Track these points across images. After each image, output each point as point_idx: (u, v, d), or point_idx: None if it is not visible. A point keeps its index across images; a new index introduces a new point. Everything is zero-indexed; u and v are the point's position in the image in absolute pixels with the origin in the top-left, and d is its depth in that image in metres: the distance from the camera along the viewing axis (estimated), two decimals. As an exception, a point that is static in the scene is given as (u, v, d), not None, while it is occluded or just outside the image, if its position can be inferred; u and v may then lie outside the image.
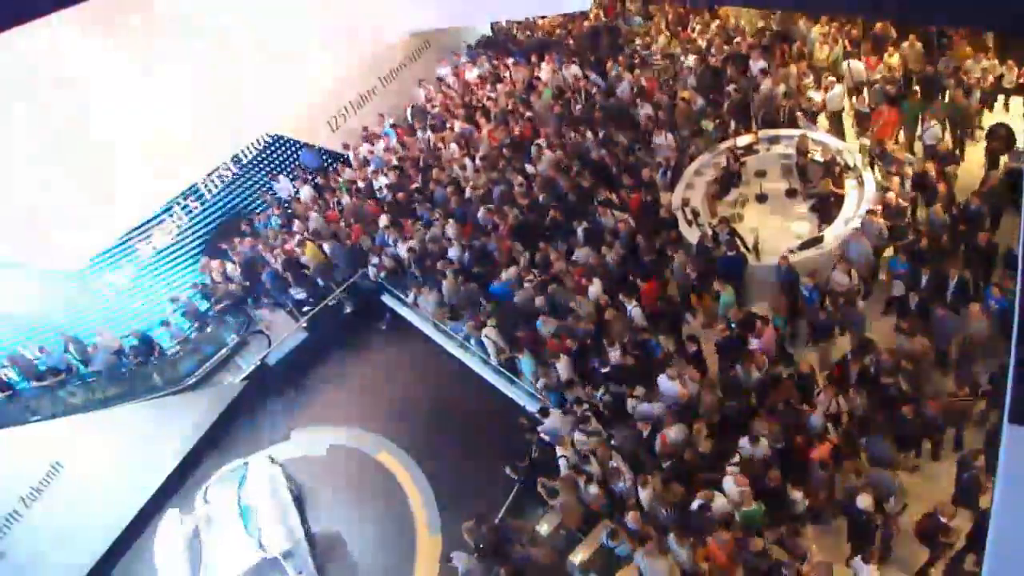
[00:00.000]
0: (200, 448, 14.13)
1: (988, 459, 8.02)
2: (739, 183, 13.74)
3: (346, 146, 18.07)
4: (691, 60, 15.90)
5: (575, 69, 17.15)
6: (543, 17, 19.79)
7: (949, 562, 8.15)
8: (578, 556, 9.72)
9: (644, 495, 9.35)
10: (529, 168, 15.00)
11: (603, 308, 11.72)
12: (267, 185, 17.71)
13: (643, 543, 8.74)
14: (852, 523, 8.53)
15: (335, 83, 18.05)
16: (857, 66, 14.11)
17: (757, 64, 14.75)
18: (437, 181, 15.80)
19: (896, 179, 11.75)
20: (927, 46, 13.88)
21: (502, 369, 12.67)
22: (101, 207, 14.73)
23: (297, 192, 17.50)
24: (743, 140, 14.03)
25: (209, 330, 15.37)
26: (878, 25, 14.34)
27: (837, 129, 14.08)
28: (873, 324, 10.66)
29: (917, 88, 13.37)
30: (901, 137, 13.32)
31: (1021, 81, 12.79)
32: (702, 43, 16.71)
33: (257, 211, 17.53)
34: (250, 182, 17.56)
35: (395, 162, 16.94)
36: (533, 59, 18.21)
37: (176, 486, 13.59)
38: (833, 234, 11.92)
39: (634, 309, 11.40)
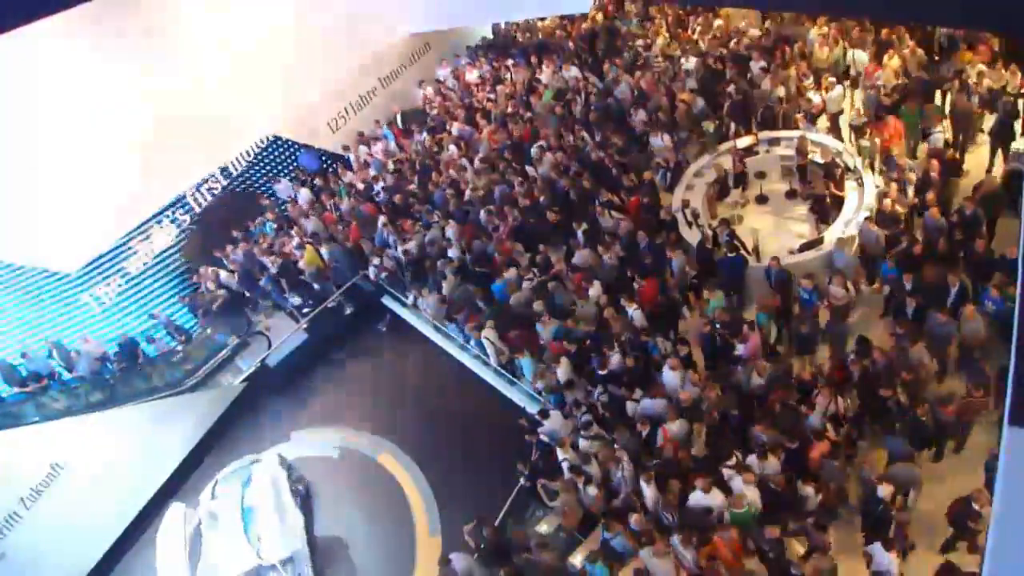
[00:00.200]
0: (200, 449, 14.13)
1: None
2: (745, 183, 13.75)
3: (346, 148, 18.09)
4: (691, 62, 15.90)
5: (575, 71, 17.17)
6: (542, 19, 19.81)
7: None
8: (578, 558, 9.72)
9: (648, 494, 9.35)
10: (529, 169, 15.00)
11: (603, 310, 11.73)
12: (265, 189, 17.72)
13: (649, 542, 8.75)
14: (868, 512, 8.53)
15: (335, 84, 18.06)
16: (861, 56, 14.15)
17: (757, 64, 14.77)
18: (435, 184, 15.81)
19: (895, 185, 11.71)
20: (929, 51, 13.90)
21: (502, 371, 12.68)
22: (101, 208, 14.74)
23: (296, 194, 17.52)
24: (743, 141, 14.04)
25: (194, 341, 15.35)
26: (883, 31, 14.36)
27: (837, 130, 14.09)
28: (871, 327, 10.69)
29: (916, 92, 13.34)
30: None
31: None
32: (702, 44, 16.72)
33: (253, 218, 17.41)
34: (244, 186, 17.56)
35: (392, 165, 16.92)
36: (533, 60, 18.22)
37: (176, 488, 13.58)
38: (833, 235, 11.92)
39: (634, 311, 11.41)
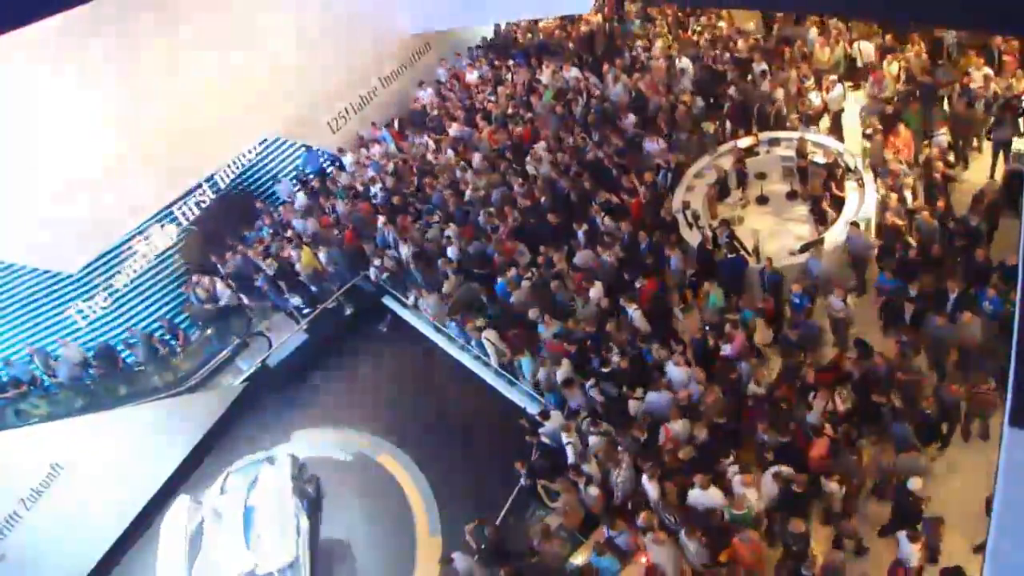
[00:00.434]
0: (201, 450, 14.12)
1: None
2: (745, 183, 13.76)
3: (340, 151, 18.10)
4: (687, 62, 15.92)
5: (575, 71, 17.18)
6: (538, 21, 19.83)
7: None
8: (579, 558, 9.71)
9: (651, 493, 9.36)
10: (530, 169, 15.01)
11: (604, 311, 11.74)
12: (265, 190, 17.70)
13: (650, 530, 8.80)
14: (898, 505, 8.56)
15: (336, 84, 18.08)
16: (867, 47, 14.14)
17: (759, 67, 14.78)
18: (432, 186, 15.81)
19: (894, 195, 11.66)
20: (936, 56, 13.90)
21: (502, 371, 12.68)
22: (102, 209, 14.76)
23: (295, 196, 17.53)
24: (744, 142, 14.04)
25: (192, 343, 15.31)
26: (887, 36, 14.37)
27: (838, 131, 14.10)
28: (868, 336, 10.63)
29: (921, 97, 13.34)
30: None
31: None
32: (703, 45, 16.73)
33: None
34: (245, 187, 17.57)
35: (391, 167, 16.94)
36: (533, 61, 18.23)
37: (177, 488, 13.57)
38: (833, 236, 11.93)
39: (634, 312, 11.42)
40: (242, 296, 15.68)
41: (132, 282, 15.66)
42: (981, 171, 12.68)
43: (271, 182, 17.79)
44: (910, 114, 12.88)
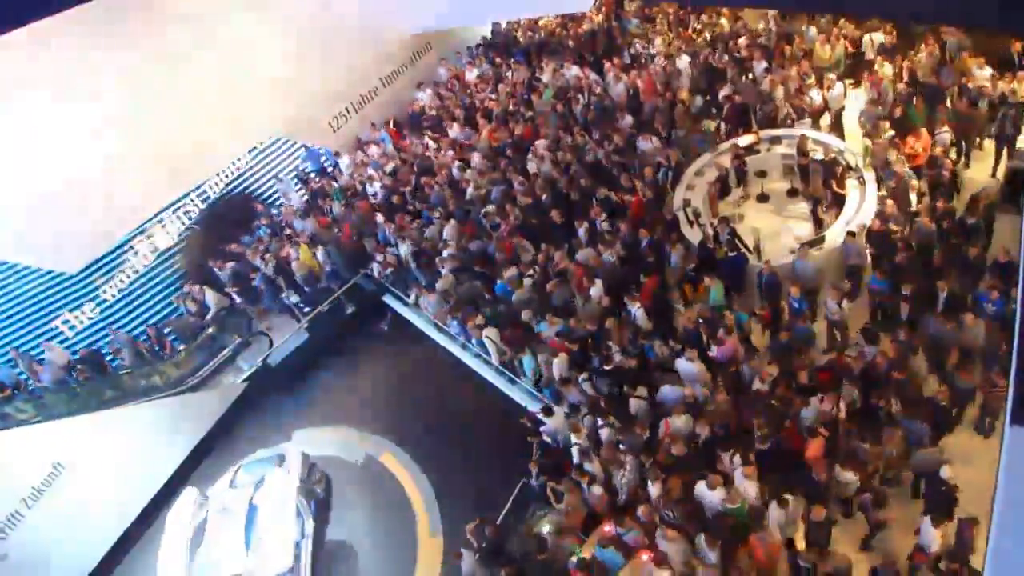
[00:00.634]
0: (202, 449, 14.13)
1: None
2: (745, 180, 13.73)
3: (337, 154, 18.11)
4: (686, 61, 15.91)
5: (575, 70, 17.17)
6: (539, 19, 19.83)
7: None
8: (582, 553, 9.69)
9: (652, 491, 9.37)
10: (531, 167, 15.00)
11: (605, 309, 11.73)
12: (265, 190, 17.71)
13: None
14: (931, 495, 8.57)
15: (336, 84, 18.08)
16: (878, 37, 14.13)
17: (760, 65, 14.76)
18: (430, 185, 15.81)
19: (891, 203, 11.60)
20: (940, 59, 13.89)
21: (503, 370, 12.68)
22: (102, 210, 14.77)
23: (292, 197, 17.52)
24: (744, 140, 14.03)
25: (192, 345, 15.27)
26: (888, 38, 14.34)
27: (838, 128, 14.08)
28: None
29: (925, 96, 13.34)
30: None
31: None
32: (702, 43, 16.71)
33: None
34: (245, 188, 17.58)
35: (391, 167, 16.94)
36: (534, 59, 18.22)
37: (177, 487, 13.57)
38: (834, 235, 11.91)
39: (637, 310, 11.41)
40: (234, 298, 15.69)
41: (129, 285, 15.63)
42: (984, 170, 12.66)
43: (273, 181, 17.78)
44: (915, 112, 12.85)
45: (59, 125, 13.66)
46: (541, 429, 10.88)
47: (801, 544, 8.79)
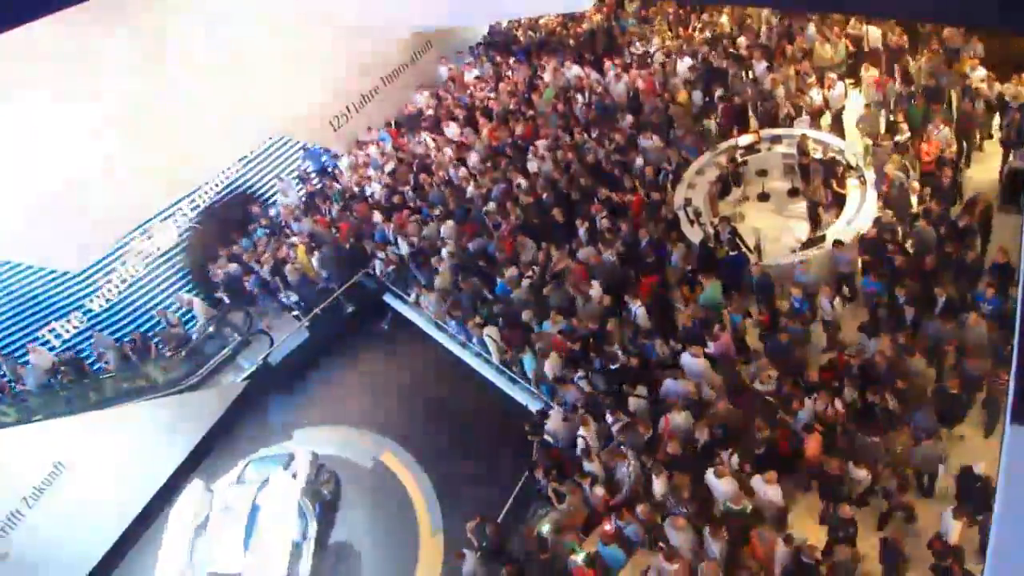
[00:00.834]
0: (202, 448, 14.14)
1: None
2: (740, 182, 13.71)
3: (336, 156, 18.06)
4: (686, 61, 15.87)
5: (576, 69, 17.15)
6: (539, 19, 19.80)
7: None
8: (580, 556, 9.69)
9: (657, 488, 9.37)
10: (532, 166, 14.98)
11: (606, 308, 11.72)
12: (265, 189, 17.68)
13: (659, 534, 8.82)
14: (965, 490, 8.51)
15: (337, 83, 18.06)
16: (874, 32, 14.10)
17: (760, 65, 14.73)
18: (431, 183, 15.80)
19: (889, 211, 11.57)
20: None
21: (504, 368, 12.68)
22: (103, 210, 14.76)
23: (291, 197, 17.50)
24: (745, 139, 14.01)
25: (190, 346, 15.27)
26: (892, 39, 14.32)
27: (839, 128, 14.06)
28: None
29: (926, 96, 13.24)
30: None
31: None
32: (698, 41, 16.68)
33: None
34: (245, 187, 17.55)
35: (390, 165, 16.91)
36: (534, 59, 18.19)
37: (177, 487, 13.58)
38: (834, 235, 11.88)
39: (638, 308, 11.41)
40: (226, 301, 15.68)
41: (128, 286, 15.62)
42: (984, 171, 12.63)
43: (273, 181, 17.76)
44: (915, 111, 12.83)
45: (59, 125, 13.64)
46: (545, 428, 10.86)
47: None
